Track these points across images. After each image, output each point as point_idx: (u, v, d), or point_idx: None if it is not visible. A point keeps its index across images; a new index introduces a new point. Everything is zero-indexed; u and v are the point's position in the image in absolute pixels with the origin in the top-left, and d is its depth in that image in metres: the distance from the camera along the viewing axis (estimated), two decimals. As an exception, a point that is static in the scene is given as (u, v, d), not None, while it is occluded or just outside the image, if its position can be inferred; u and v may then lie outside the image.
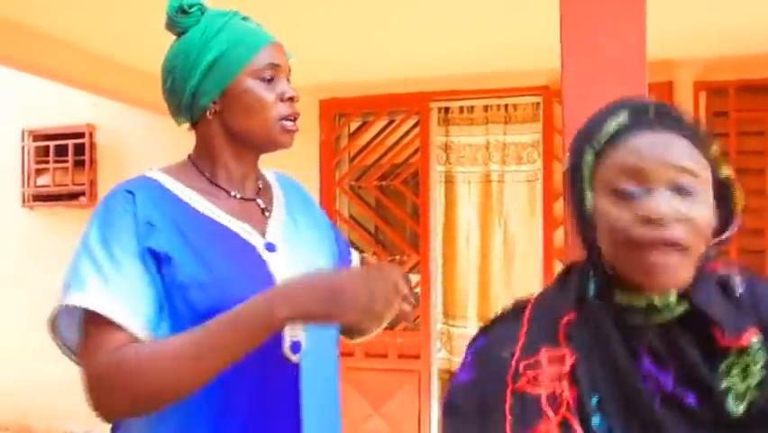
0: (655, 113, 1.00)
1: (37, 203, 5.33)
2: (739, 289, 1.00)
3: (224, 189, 1.37)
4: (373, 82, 4.58)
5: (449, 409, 1.09)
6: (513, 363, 1.02)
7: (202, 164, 1.39)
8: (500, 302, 4.60)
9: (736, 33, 3.76)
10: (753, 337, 0.95)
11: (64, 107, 5.21)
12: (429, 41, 3.87)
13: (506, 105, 4.59)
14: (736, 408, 0.93)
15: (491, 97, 4.57)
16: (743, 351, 0.95)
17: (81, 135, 5.20)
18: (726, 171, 1.00)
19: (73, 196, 5.23)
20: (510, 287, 4.59)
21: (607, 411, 0.95)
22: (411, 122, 4.76)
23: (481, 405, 1.03)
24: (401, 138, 4.85)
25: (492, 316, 1.17)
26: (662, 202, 0.94)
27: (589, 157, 1.02)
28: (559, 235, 4.26)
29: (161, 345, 1.16)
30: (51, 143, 5.27)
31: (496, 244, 4.62)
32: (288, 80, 1.39)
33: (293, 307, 1.12)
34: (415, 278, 4.64)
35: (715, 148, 1.00)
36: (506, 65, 4.25)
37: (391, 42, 3.92)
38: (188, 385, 1.14)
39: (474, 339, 1.15)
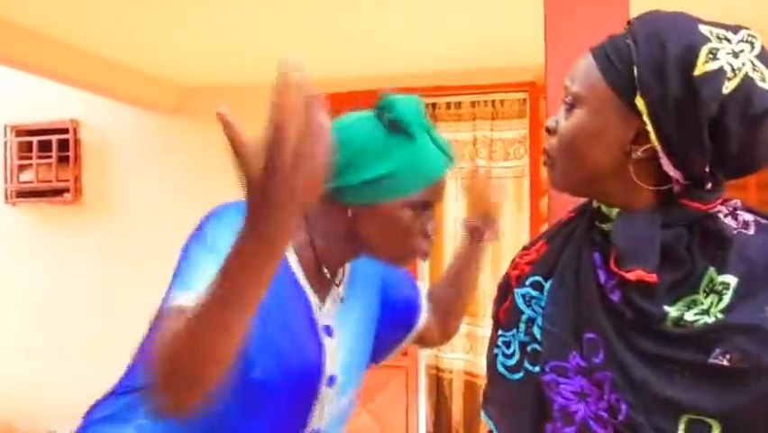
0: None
1: (20, 199, 5.28)
2: (724, 232, 0.97)
3: (318, 260, 1.31)
4: (361, 78, 4.56)
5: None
6: (518, 253, 1.19)
7: (313, 232, 1.31)
8: (487, 297, 4.61)
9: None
10: (645, 278, 0.95)
11: (48, 103, 5.16)
12: (416, 37, 3.86)
13: (493, 102, 4.58)
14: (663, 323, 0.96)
15: (478, 94, 4.56)
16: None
17: (65, 131, 5.16)
18: (639, 100, 0.95)
19: (57, 192, 5.18)
20: (497, 282, 4.58)
21: (555, 297, 1.06)
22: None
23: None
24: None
25: None
26: (552, 118, 1.08)
27: None
28: (546, 231, 4.26)
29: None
30: (35, 139, 5.22)
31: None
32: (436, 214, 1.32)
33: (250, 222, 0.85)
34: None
35: (638, 69, 0.95)
36: (492, 61, 4.24)
37: (379, 39, 3.90)
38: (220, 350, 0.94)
39: None
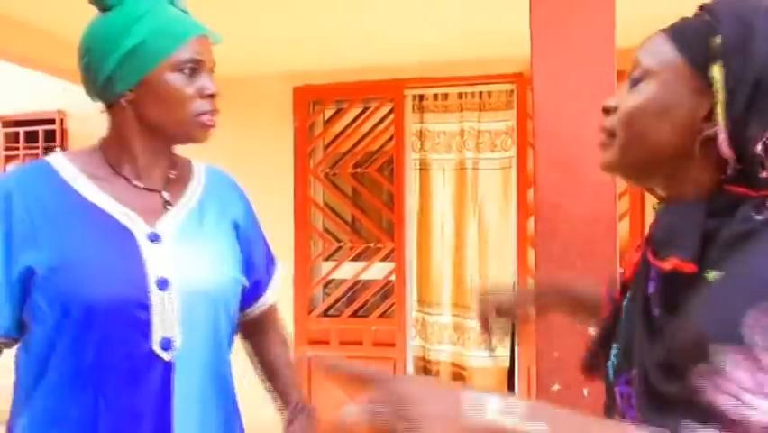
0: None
1: (7, 191, 5.24)
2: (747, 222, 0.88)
3: (124, 177, 1.33)
4: (347, 69, 4.56)
5: None
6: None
7: (109, 150, 1.36)
8: (474, 290, 4.62)
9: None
10: (681, 266, 0.89)
11: (34, 94, 5.13)
12: (403, 28, 3.86)
13: (480, 93, 4.59)
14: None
15: (466, 85, 4.56)
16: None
17: (52, 122, 5.13)
18: (714, 69, 0.90)
19: (43, 183, 5.16)
20: (484, 274, 4.60)
21: (627, 314, 1.04)
22: (385, 109, 4.74)
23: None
24: (376, 125, 4.83)
25: None
26: (614, 96, 1.02)
27: None
28: (533, 223, 4.27)
29: None
30: (21, 130, 5.19)
31: (470, 231, 4.63)
32: (211, 74, 1.34)
33: None
34: (389, 265, 4.65)
35: (714, 40, 0.91)
36: (480, 52, 4.24)
37: (366, 29, 3.90)
38: None
39: None
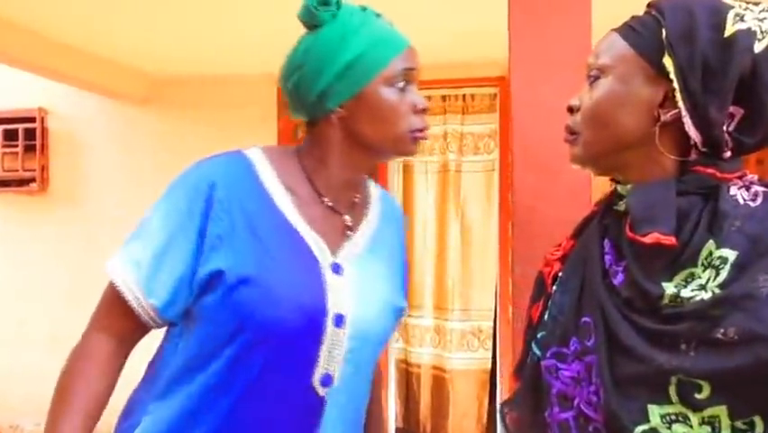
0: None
1: (-14, 189, 5.20)
2: (725, 204, 0.97)
3: (317, 193, 1.30)
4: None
5: None
6: (550, 251, 1.18)
7: (307, 161, 1.31)
8: (457, 292, 4.63)
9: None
10: (662, 240, 0.96)
11: (15, 91, 5.08)
12: (387, 29, 3.86)
13: (463, 96, 4.61)
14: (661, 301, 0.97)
15: (449, 88, 4.57)
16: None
17: (32, 120, 5.07)
18: (667, 59, 0.99)
19: (23, 182, 5.11)
20: (467, 277, 4.61)
21: (566, 286, 1.10)
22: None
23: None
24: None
25: None
26: (574, 98, 1.09)
27: None
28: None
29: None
30: (1, 128, 5.13)
31: (453, 233, 4.64)
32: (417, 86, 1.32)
33: None
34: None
35: (663, 31, 1.00)
36: (463, 56, 4.25)
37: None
38: None
39: None
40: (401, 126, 1.25)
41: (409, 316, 4.73)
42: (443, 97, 4.62)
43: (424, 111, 1.29)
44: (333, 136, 1.29)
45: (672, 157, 1.02)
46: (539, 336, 1.13)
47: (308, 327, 1.20)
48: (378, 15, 1.32)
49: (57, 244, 5.05)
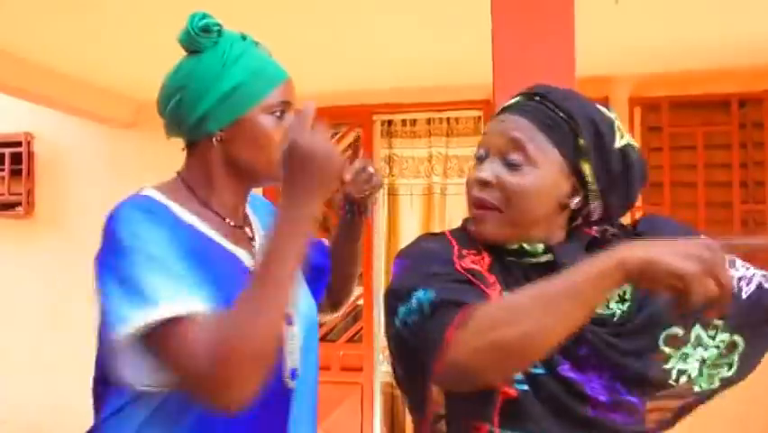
0: (529, 99, 1.22)
1: (-29, 213, 5.18)
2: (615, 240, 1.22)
3: (217, 214, 1.33)
4: (317, 94, 4.56)
5: (388, 291, 1.22)
6: (455, 249, 1.21)
7: (196, 187, 1.33)
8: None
9: (668, 51, 3.88)
10: None
11: (1, 115, 5.09)
12: (372, 54, 3.90)
13: (448, 119, 4.65)
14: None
15: (434, 111, 4.62)
16: None
17: (18, 144, 5.08)
18: (585, 166, 1.18)
19: (9, 206, 5.10)
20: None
21: None
22: (354, 134, 4.77)
23: (429, 269, 1.17)
24: (345, 150, 4.86)
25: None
26: (485, 169, 1.19)
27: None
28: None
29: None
30: (-13, 152, 5.14)
31: (438, 255, 4.65)
32: None
33: None
34: (357, 290, 4.64)
35: (580, 141, 1.17)
36: (447, 79, 4.30)
37: (335, 55, 3.93)
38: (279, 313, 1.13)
39: (398, 256, 1.26)
40: (277, 153, 1.26)
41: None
42: (428, 120, 4.67)
43: None
44: (213, 158, 1.32)
45: (562, 223, 1.23)
46: None
47: None
48: (257, 44, 1.37)
49: (42, 267, 5.03)
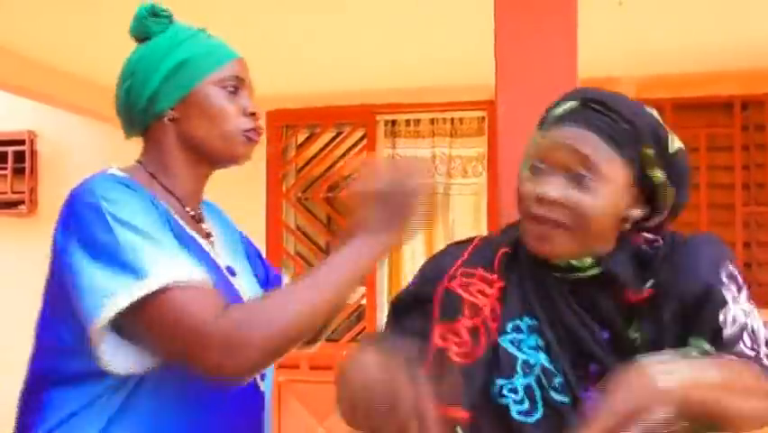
0: (586, 107, 1.14)
1: (-25, 212, 5.19)
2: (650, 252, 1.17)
3: (178, 201, 1.29)
4: (320, 94, 4.59)
5: (391, 304, 1.28)
6: (453, 267, 1.21)
7: (156, 172, 1.30)
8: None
9: (671, 53, 3.89)
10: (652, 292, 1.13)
11: (4, 114, 5.09)
12: (375, 54, 3.91)
13: (451, 119, 4.65)
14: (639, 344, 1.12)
15: (437, 111, 4.62)
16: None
17: (21, 142, 5.09)
18: (657, 173, 1.14)
19: (12, 204, 5.10)
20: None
21: (542, 333, 1.14)
22: (358, 134, 4.77)
23: (417, 296, 1.23)
24: (348, 150, 4.86)
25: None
26: (549, 185, 1.11)
27: (535, 134, 1.20)
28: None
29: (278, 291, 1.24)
30: (-10, 150, 5.14)
31: (441, 256, 4.65)
32: (251, 96, 1.33)
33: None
34: (360, 289, 4.63)
35: (646, 150, 1.12)
36: (451, 79, 4.29)
37: (338, 55, 3.94)
38: (322, 314, 1.16)
39: (424, 263, 1.32)
40: (231, 126, 1.26)
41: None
42: (432, 121, 4.67)
43: (254, 115, 1.30)
44: (167, 140, 1.28)
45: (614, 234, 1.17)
46: (547, 382, 1.13)
47: None
48: (209, 35, 1.35)
49: (45, 266, 5.03)
